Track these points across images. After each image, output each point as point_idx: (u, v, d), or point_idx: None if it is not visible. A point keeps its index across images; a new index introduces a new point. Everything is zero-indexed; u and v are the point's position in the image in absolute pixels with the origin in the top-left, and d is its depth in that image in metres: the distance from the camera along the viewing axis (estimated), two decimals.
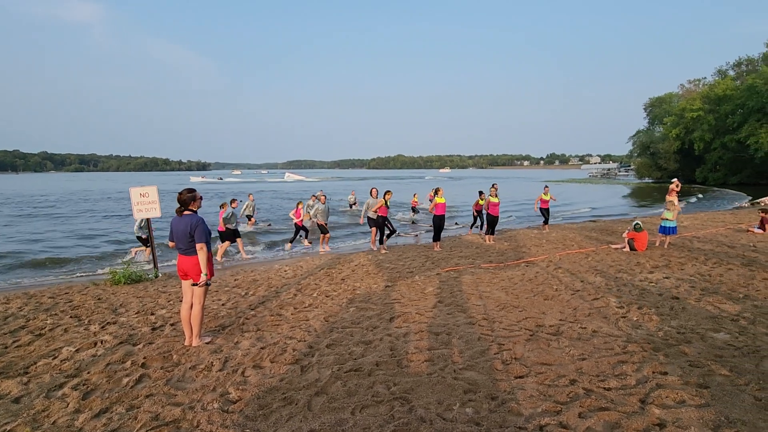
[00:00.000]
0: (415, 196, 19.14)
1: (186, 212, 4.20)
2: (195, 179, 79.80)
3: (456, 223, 16.45)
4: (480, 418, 2.88)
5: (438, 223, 10.33)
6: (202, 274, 4.18)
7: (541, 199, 13.27)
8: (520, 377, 3.47)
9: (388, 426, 2.81)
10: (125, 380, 3.62)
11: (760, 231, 11.21)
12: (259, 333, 4.73)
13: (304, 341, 4.43)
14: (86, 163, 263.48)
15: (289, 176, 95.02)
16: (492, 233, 11.28)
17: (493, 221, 11.20)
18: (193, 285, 4.23)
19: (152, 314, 5.56)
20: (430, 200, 12.42)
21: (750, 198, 23.76)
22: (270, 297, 6.35)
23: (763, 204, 20.84)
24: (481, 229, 12.64)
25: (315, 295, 6.38)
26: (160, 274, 8.20)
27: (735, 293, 5.76)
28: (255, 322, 5.11)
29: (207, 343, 4.41)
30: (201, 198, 4.34)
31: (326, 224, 11.16)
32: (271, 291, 6.73)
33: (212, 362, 3.93)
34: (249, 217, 15.03)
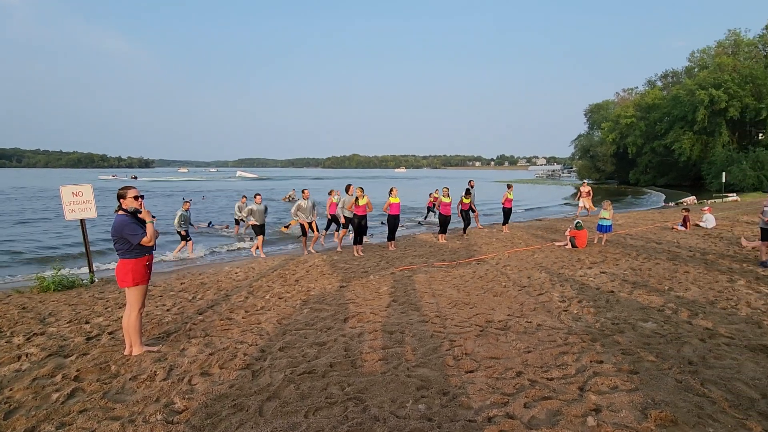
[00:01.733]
0: (436, 192, 17.89)
1: (119, 211, 3.93)
2: (104, 177, 73.13)
3: (419, 222, 16.64)
4: (432, 414, 2.95)
5: (392, 222, 10.45)
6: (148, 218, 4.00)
7: (507, 198, 13.19)
8: (471, 372, 3.59)
9: (341, 427, 2.81)
10: (55, 396, 3.34)
11: (683, 228, 12.36)
12: (207, 339, 4.54)
13: (256, 345, 4.31)
14: (8, 158, 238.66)
15: (241, 174, 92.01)
16: (444, 232, 11.56)
17: (445, 221, 11.46)
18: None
19: (87, 323, 5.17)
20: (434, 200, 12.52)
21: (693, 197, 26.29)
22: (219, 300, 6.12)
23: (685, 204, 22.99)
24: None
25: (267, 297, 6.23)
26: (96, 279, 7.63)
27: (661, 286, 6.32)
28: (203, 328, 4.90)
29: (151, 352, 4.16)
30: (139, 197, 4.00)
31: (311, 224, 10.33)
32: (221, 294, 6.48)
33: (155, 371, 3.72)
34: (237, 221, 14.21)
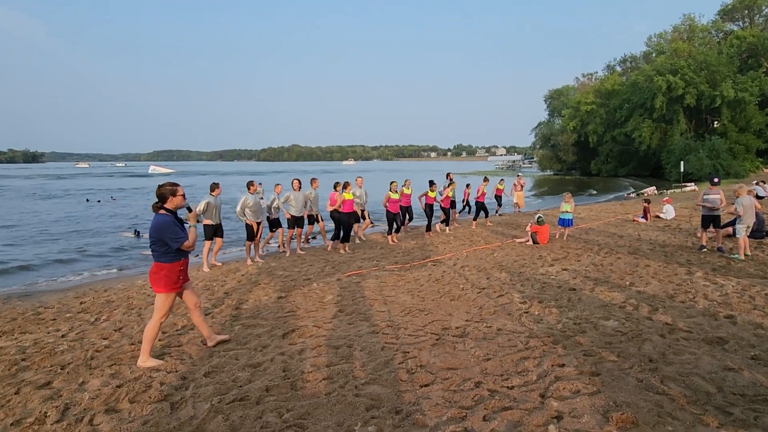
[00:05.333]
0: (468, 187, 16.31)
1: (161, 210, 4.13)
2: None
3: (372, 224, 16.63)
4: None
5: (347, 221, 10.34)
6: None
7: (483, 192, 13.88)
8: (426, 386, 3.66)
9: None
10: None
11: (644, 220, 13.42)
12: (114, 368, 4.27)
13: (176, 372, 4.11)
14: None
15: (155, 169, 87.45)
16: (397, 231, 11.67)
17: (393, 219, 11.49)
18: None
19: None
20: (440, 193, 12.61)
21: (653, 187, 28.55)
22: (130, 322, 5.77)
23: (646, 195, 24.95)
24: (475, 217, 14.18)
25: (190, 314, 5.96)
26: None
27: (623, 281, 6.82)
28: (109, 355, 4.60)
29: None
30: (184, 195, 4.24)
31: (260, 224, 9.69)
32: (132, 314, 6.12)
33: (45, 412, 3.43)
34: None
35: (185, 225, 4.29)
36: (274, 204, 10.19)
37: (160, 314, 4.28)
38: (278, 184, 10.65)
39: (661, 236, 10.89)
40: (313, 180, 10.70)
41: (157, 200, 4.19)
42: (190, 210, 4.33)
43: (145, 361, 4.29)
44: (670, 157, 38.16)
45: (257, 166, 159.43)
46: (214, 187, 9.09)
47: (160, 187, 4.18)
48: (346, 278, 7.72)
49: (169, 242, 4.06)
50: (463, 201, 15.07)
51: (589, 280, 6.94)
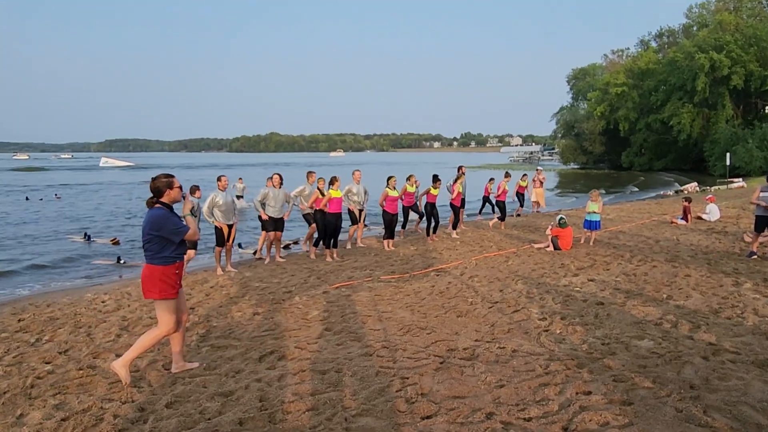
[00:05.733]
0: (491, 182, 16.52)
1: (156, 204, 4.32)
2: None
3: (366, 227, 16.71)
4: None
5: (334, 224, 10.31)
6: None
7: (504, 190, 14.17)
8: (428, 417, 3.66)
9: None
10: None
11: (683, 222, 13.51)
12: (59, 397, 4.25)
13: (132, 402, 4.10)
14: None
15: (108, 162, 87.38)
16: (392, 237, 11.66)
17: (391, 221, 11.50)
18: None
19: None
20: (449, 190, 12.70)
21: (695, 183, 28.69)
22: (78, 342, 5.76)
23: (686, 192, 25.12)
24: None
25: None
26: None
27: (659, 294, 6.86)
28: (53, 382, 4.58)
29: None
30: (181, 188, 4.45)
31: (231, 227, 9.62)
32: (80, 333, 6.11)
33: None
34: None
35: (181, 218, 4.52)
36: (260, 199, 10.15)
37: (166, 327, 4.37)
38: (271, 178, 10.64)
39: (703, 241, 10.97)
40: (309, 174, 10.70)
41: (151, 195, 4.35)
42: (183, 198, 4.57)
43: (122, 366, 4.35)
44: (714, 148, 38.44)
45: (229, 158, 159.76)
46: (195, 189, 9.18)
47: (154, 180, 4.35)
48: (334, 291, 7.74)
49: (170, 236, 4.23)
50: (488, 198, 15.28)
51: (619, 293, 6.97)
